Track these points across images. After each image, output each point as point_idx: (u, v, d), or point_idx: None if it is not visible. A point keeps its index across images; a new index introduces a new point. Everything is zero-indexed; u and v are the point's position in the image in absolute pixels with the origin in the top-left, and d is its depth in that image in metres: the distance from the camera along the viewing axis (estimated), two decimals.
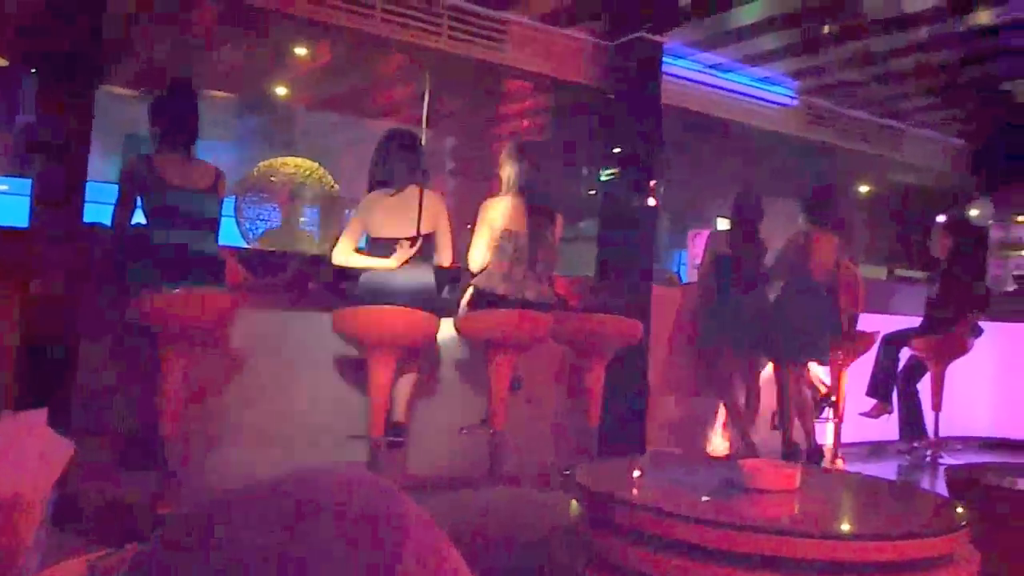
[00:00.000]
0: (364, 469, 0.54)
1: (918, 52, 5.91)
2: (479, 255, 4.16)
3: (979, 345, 5.88)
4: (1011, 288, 8.16)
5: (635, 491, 1.47)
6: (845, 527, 1.43)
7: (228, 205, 4.78)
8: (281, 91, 6.69)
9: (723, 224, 7.01)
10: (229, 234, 5.44)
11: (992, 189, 8.33)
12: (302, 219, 5.74)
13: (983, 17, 5.44)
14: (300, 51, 5.99)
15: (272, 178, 5.51)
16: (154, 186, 3.52)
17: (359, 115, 7.12)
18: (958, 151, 8.25)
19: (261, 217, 5.56)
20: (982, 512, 2.03)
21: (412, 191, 3.98)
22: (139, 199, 3.55)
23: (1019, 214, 8.78)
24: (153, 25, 5.53)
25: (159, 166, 3.56)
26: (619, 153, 5.44)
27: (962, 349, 5.74)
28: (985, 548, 1.66)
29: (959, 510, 1.44)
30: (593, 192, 5.65)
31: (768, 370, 5.27)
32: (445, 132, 8.30)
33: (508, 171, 4.30)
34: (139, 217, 3.58)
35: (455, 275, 4.21)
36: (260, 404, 4.00)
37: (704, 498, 1.40)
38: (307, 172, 5.66)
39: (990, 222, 8.91)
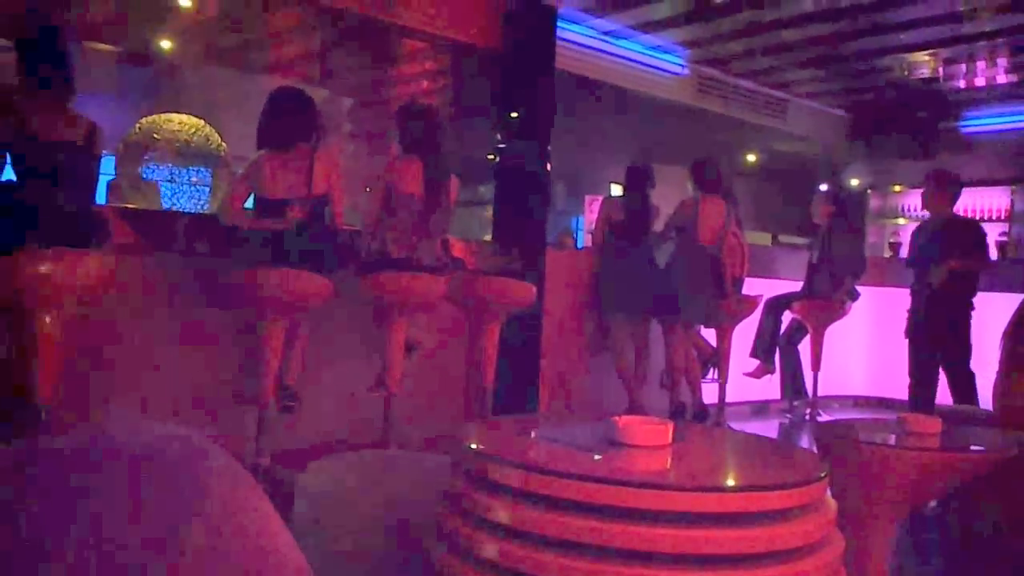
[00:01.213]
0: (177, 428, 0.54)
1: (804, 24, 6.12)
2: (373, 217, 4.12)
3: (856, 308, 6.21)
4: (887, 255, 8.63)
5: (508, 449, 1.50)
6: (707, 480, 1.50)
7: (108, 163, 4.57)
8: (165, 44, 6.39)
9: (617, 190, 7.14)
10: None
11: (871, 159, 8.75)
12: (193, 179, 5.54)
13: None
14: (185, 1, 5.73)
15: (155, 135, 5.29)
16: (22, 140, 3.33)
17: (248, 71, 6.89)
18: (840, 122, 8.62)
19: (145, 176, 5.33)
20: (847, 465, 2.17)
21: (304, 151, 3.89)
22: (7, 154, 3.35)
23: (895, 184, 9.27)
24: None
25: (28, 118, 3.36)
26: (515, 117, 5.45)
27: (840, 313, 6.04)
28: (845, 499, 1.78)
29: (819, 463, 1.53)
30: (491, 156, 5.65)
31: (657, 331, 5.43)
32: (341, 93, 8.13)
33: (403, 133, 4.26)
34: (8, 174, 3.39)
35: (349, 238, 4.15)
36: (146, 370, 3.87)
37: (573, 453, 1.45)
38: (193, 130, 5.45)
39: (868, 191, 9.37)
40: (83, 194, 3.50)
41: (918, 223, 6.23)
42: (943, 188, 5.29)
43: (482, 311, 4.50)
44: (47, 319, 3.25)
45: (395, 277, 3.95)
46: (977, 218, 8.00)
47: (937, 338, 5.17)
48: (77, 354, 3.51)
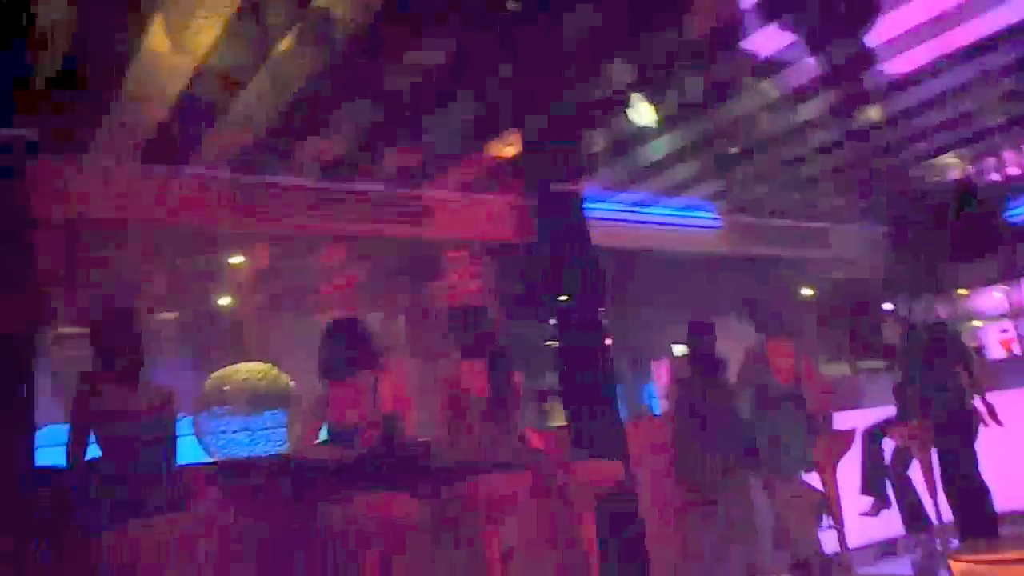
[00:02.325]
0: None
1: (826, 152, 6.25)
2: (445, 425, 4.12)
3: None
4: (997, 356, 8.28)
5: None
6: None
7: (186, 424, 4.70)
8: (225, 301, 6.76)
9: (681, 349, 7.07)
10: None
11: (925, 269, 8.60)
12: (267, 423, 5.65)
13: (873, 114, 5.82)
14: (236, 260, 6.09)
15: (225, 387, 5.46)
16: (103, 418, 3.45)
17: (304, 312, 7.19)
18: (884, 238, 8.58)
19: (222, 429, 5.46)
20: None
21: (365, 376, 3.95)
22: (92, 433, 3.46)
23: (959, 288, 9.06)
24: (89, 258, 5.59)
25: (106, 396, 3.49)
26: (564, 301, 5.52)
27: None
28: None
29: None
30: (550, 343, 5.69)
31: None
32: (394, 314, 8.38)
33: (458, 337, 4.33)
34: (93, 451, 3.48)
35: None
36: None
37: None
38: (260, 375, 5.63)
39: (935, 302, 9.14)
40: (165, 459, 3.57)
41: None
42: None
43: (572, 499, 4.35)
44: None
45: (479, 480, 3.87)
46: None
47: None
48: None
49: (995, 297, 8.64)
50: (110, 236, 5.30)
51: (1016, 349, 7.87)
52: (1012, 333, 7.73)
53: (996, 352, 8.15)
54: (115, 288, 6.00)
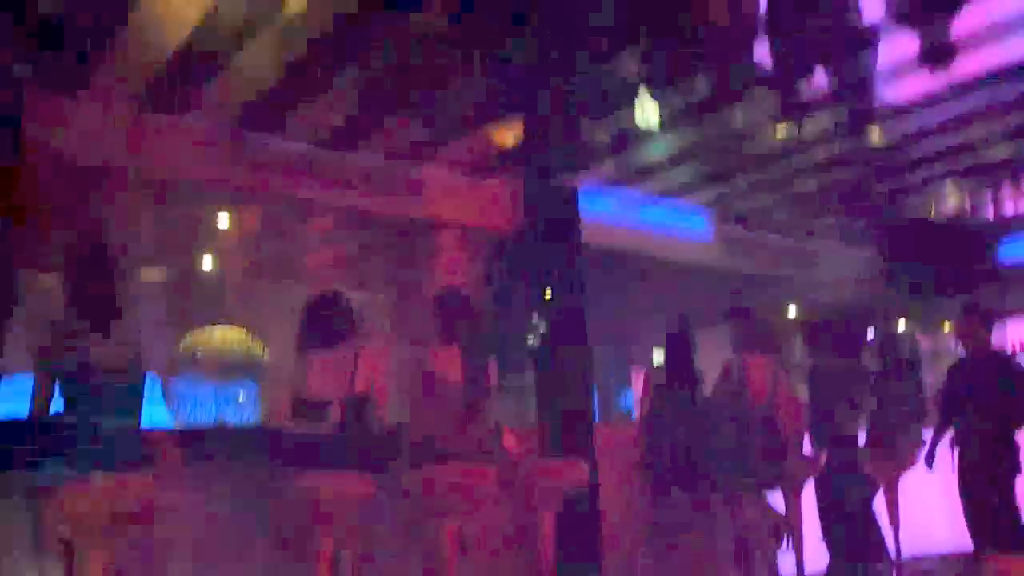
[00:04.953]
0: None
1: (824, 172, 6.23)
2: (415, 408, 4.09)
3: (945, 455, 5.85)
4: None
5: None
6: None
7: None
8: (207, 262, 6.68)
9: (659, 357, 7.06)
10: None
11: (911, 300, 8.62)
12: (238, 391, 5.60)
13: (875, 137, 5.79)
14: (222, 219, 6.02)
15: (198, 352, 5.41)
16: (70, 366, 3.38)
17: (287, 281, 7.11)
18: (874, 264, 8.58)
19: (191, 394, 5.40)
20: None
21: (346, 351, 3.91)
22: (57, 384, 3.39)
23: (945, 321, 9.08)
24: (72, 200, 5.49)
25: (76, 348, 3.42)
26: (549, 298, 5.49)
27: (909, 461, 5.73)
28: None
29: None
30: (529, 338, 5.66)
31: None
32: (379, 292, 8.32)
33: (439, 322, 4.30)
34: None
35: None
36: None
37: None
38: (235, 343, 5.57)
39: (915, 333, 9.16)
40: (129, 417, 3.52)
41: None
42: (977, 321, 5.25)
43: (534, 496, 4.34)
44: (92, 544, 3.18)
45: (443, 469, 3.85)
46: None
47: None
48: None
49: None
50: (98, 179, 5.19)
51: None
52: None
53: None
54: (97, 235, 5.91)
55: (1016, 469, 5.11)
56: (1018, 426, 5.11)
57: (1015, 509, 5.04)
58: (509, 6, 4.28)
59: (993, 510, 5.10)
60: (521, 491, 4.35)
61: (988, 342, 5.30)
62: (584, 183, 5.87)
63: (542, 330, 5.46)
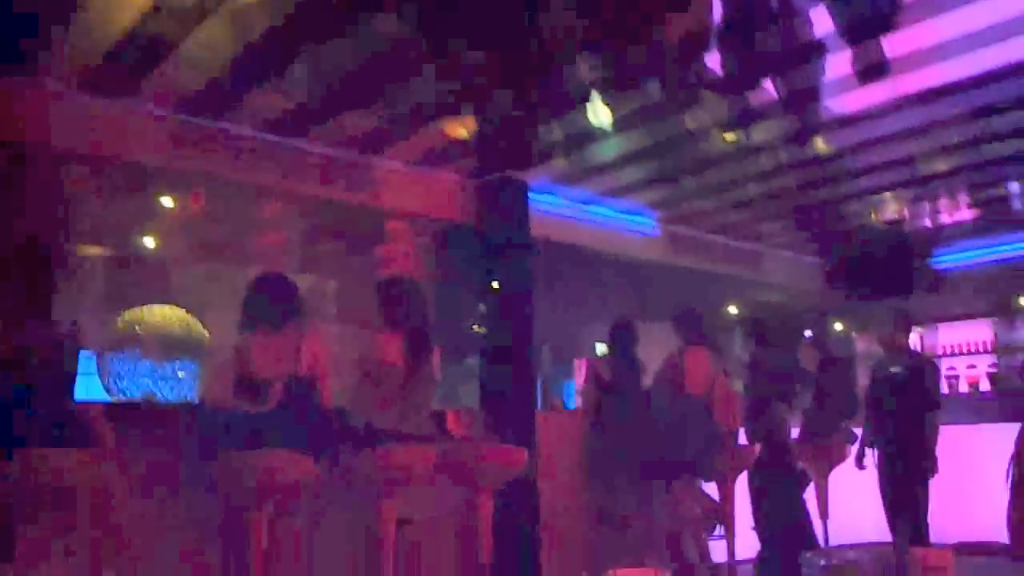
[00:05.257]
0: None
1: (768, 179, 6.37)
2: (357, 391, 4.10)
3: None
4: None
5: None
6: None
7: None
8: (150, 242, 6.60)
9: (602, 349, 7.16)
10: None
11: (849, 303, 8.85)
12: (177, 370, 5.53)
13: (820, 146, 5.94)
14: (168, 202, 5.94)
15: (137, 329, 5.33)
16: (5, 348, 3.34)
17: (233, 264, 7.05)
18: (816, 268, 8.80)
19: (128, 371, 5.32)
20: None
21: (290, 332, 3.91)
22: None
23: (878, 323, 9.32)
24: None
25: (5, 324, 3.39)
26: (496, 288, 5.55)
27: (840, 456, 5.91)
28: None
29: None
30: (475, 326, 5.71)
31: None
32: (326, 276, 8.28)
33: (383, 307, 4.32)
34: None
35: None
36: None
37: None
38: (176, 320, 5.51)
39: (852, 334, 9.42)
40: (61, 395, 3.48)
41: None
42: (897, 324, 5.48)
43: (474, 480, 4.39)
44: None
45: (384, 450, 3.87)
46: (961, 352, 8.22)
47: None
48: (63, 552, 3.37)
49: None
50: (44, 163, 5.10)
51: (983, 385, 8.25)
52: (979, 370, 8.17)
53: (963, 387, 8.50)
54: (37, 217, 5.79)
55: (928, 470, 5.36)
56: (927, 427, 5.33)
57: (918, 508, 5.32)
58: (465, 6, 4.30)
59: (902, 507, 5.39)
60: (461, 473, 4.39)
61: (905, 345, 5.52)
62: (535, 178, 5.94)
63: (488, 319, 5.52)
